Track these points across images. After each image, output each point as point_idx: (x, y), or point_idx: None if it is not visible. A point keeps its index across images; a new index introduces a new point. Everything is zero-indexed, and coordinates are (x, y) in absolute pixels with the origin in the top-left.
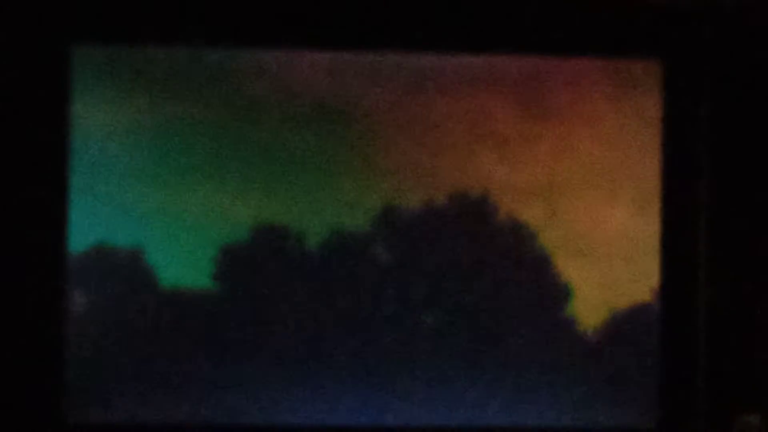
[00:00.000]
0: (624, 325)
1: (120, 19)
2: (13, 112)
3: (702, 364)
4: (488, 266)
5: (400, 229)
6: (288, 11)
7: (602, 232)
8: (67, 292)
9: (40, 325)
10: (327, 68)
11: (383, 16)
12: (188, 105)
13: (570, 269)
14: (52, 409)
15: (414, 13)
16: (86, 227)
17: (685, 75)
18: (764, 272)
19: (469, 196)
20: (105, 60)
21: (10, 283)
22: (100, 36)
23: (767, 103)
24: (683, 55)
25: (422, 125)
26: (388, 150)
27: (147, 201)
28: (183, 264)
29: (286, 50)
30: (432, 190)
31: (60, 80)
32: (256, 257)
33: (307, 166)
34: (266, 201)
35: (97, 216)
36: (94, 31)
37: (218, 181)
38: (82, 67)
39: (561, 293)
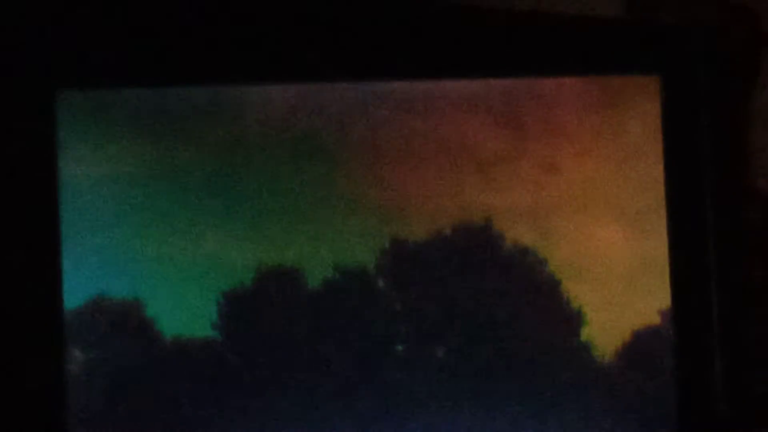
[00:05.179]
0: (638, 347)
1: (102, 61)
2: None
3: (718, 382)
4: (497, 295)
5: (405, 262)
6: (269, 46)
7: (609, 254)
8: (65, 350)
9: (39, 387)
10: (310, 101)
11: (363, 46)
12: (177, 147)
13: (579, 293)
14: None
15: (395, 40)
16: (81, 281)
17: (682, 89)
18: None
19: (472, 223)
20: (90, 104)
21: (3, 346)
22: (84, 80)
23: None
24: (679, 70)
25: (414, 154)
26: (381, 182)
27: (142, 250)
28: (185, 313)
29: (269, 85)
30: (433, 220)
31: (45, 128)
32: (259, 302)
33: (303, 204)
34: (266, 243)
35: (92, 269)
36: (78, 74)
37: (214, 224)
38: (66, 113)
39: (572, 318)
